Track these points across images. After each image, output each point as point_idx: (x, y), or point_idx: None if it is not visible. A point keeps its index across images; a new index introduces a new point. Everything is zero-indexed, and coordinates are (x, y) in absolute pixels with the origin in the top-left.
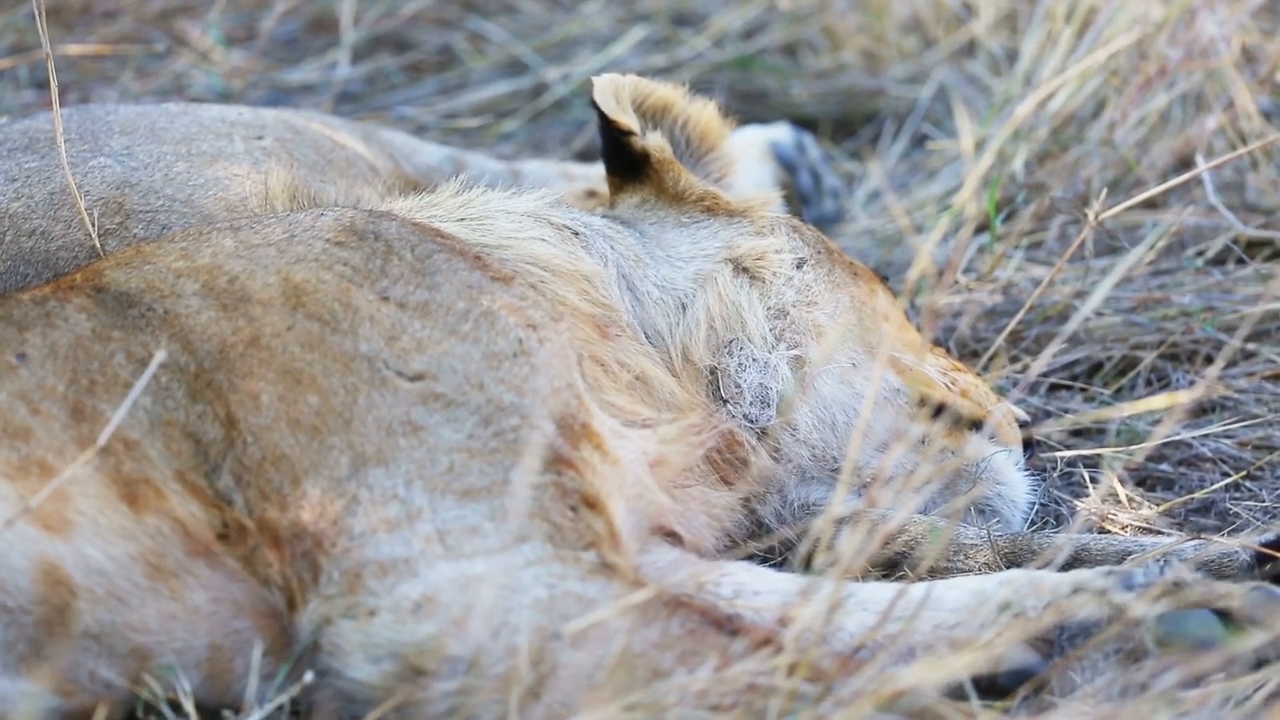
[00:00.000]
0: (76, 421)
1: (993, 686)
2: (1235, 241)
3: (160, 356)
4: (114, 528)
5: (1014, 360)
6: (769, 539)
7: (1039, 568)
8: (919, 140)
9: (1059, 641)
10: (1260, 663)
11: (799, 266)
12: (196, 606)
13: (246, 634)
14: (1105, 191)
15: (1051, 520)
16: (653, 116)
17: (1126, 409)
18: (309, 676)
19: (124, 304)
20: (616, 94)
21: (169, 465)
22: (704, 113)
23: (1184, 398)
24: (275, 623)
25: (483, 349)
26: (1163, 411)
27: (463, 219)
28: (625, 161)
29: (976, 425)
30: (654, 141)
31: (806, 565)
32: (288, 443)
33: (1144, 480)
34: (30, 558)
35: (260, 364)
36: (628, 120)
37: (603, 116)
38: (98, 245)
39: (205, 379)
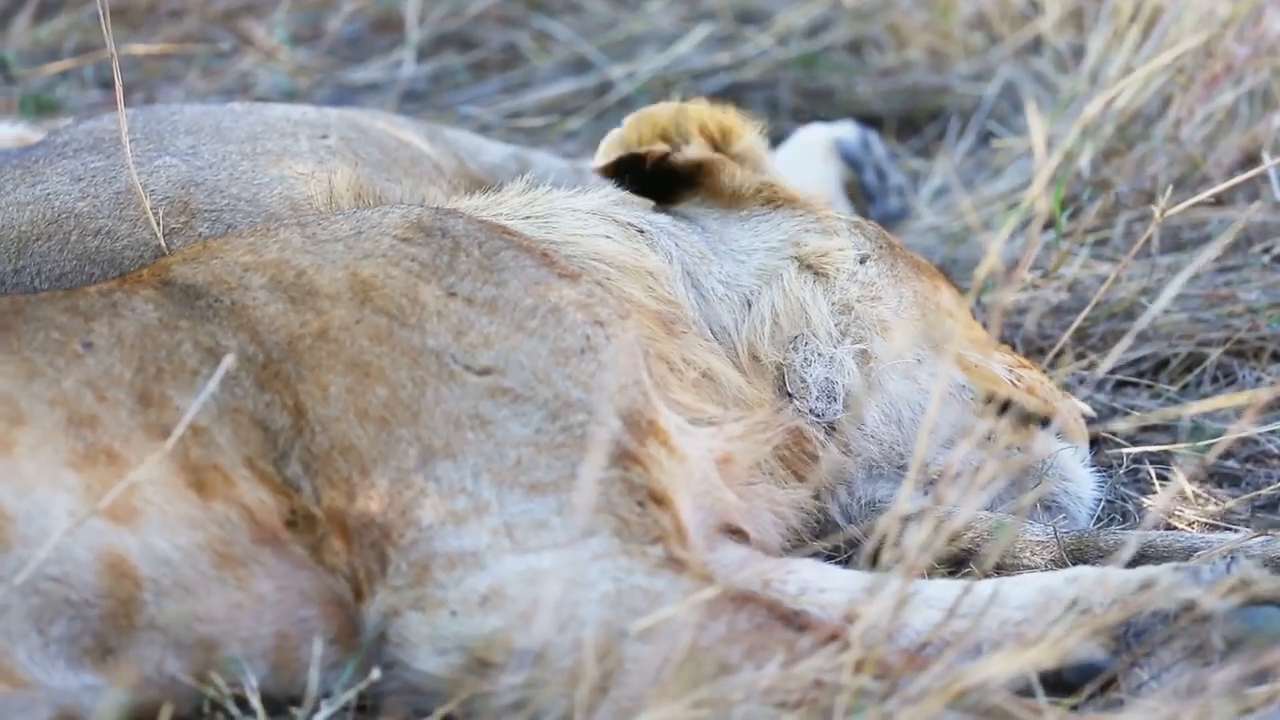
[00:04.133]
0: (144, 408)
1: (1060, 683)
2: None
3: (230, 357)
4: (181, 516)
5: (1080, 357)
6: (835, 536)
7: (1105, 564)
8: (984, 138)
9: (1126, 638)
10: None
11: (862, 262)
12: (263, 595)
13: (313, 622)
14: (1171, 188)
15: (1117, 517)
16: (670, 139)
17: (1195, 407)
18: (376, 673)
19: (191, 296)
20: (638, 134)
21: (237, 451)
22: (719, 114)
23: (1266, 395)
24: (341, 611)
25: (550, 345)
26: (1231, 409)
27: (528, 217)
28: (671, 183)
29: (1043, 422)
30: (695, 151)
31: (873, 562)
32: (356, 433)
33: (1211, 476)
34: (95, 550)
35: (328, 356)
36: (660, 146)
37: (634, 159)
38: (163, 244)
39: (273, 369)
